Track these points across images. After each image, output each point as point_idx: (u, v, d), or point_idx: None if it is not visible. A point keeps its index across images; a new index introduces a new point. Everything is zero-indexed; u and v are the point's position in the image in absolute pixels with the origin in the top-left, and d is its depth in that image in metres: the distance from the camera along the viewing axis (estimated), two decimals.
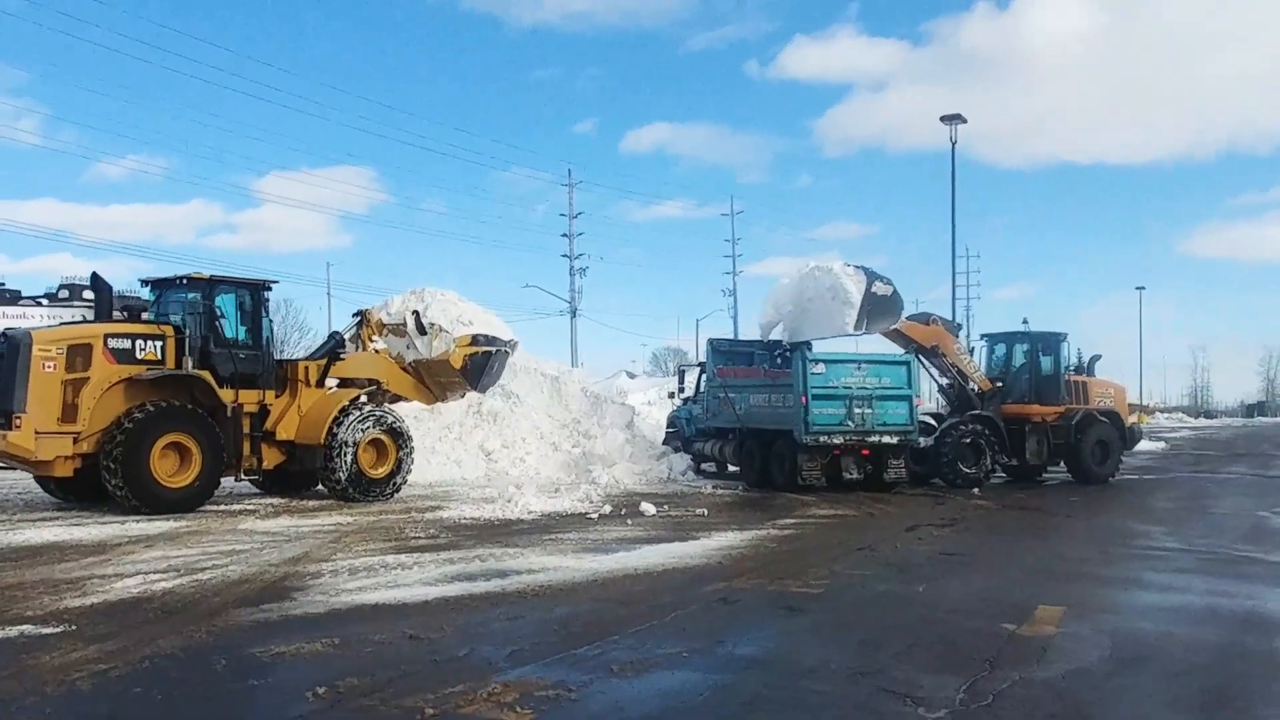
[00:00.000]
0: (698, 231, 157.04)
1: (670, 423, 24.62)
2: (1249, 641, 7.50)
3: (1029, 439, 21.89)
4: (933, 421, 22.20)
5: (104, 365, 14.49)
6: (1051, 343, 22.90)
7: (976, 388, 22.06)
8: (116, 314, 16.30)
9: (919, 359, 21.72)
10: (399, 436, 17.46)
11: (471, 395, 24.59)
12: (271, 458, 16.54)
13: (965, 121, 32.68)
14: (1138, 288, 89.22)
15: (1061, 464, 22.64)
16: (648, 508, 15.31)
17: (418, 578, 9.60)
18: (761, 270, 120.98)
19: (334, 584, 9.21)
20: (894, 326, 21.17)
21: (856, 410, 18.94)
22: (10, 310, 71.11)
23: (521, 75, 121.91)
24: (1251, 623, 8.09)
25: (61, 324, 17.25)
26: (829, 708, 5.82)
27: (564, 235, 59.75)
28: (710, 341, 22.81)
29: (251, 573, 9.65)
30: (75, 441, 14.19)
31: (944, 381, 22.78)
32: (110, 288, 16.47)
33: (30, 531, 12.35)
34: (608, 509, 15.36)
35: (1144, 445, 37.17)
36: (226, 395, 15.47)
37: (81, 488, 14.94)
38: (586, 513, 14.95)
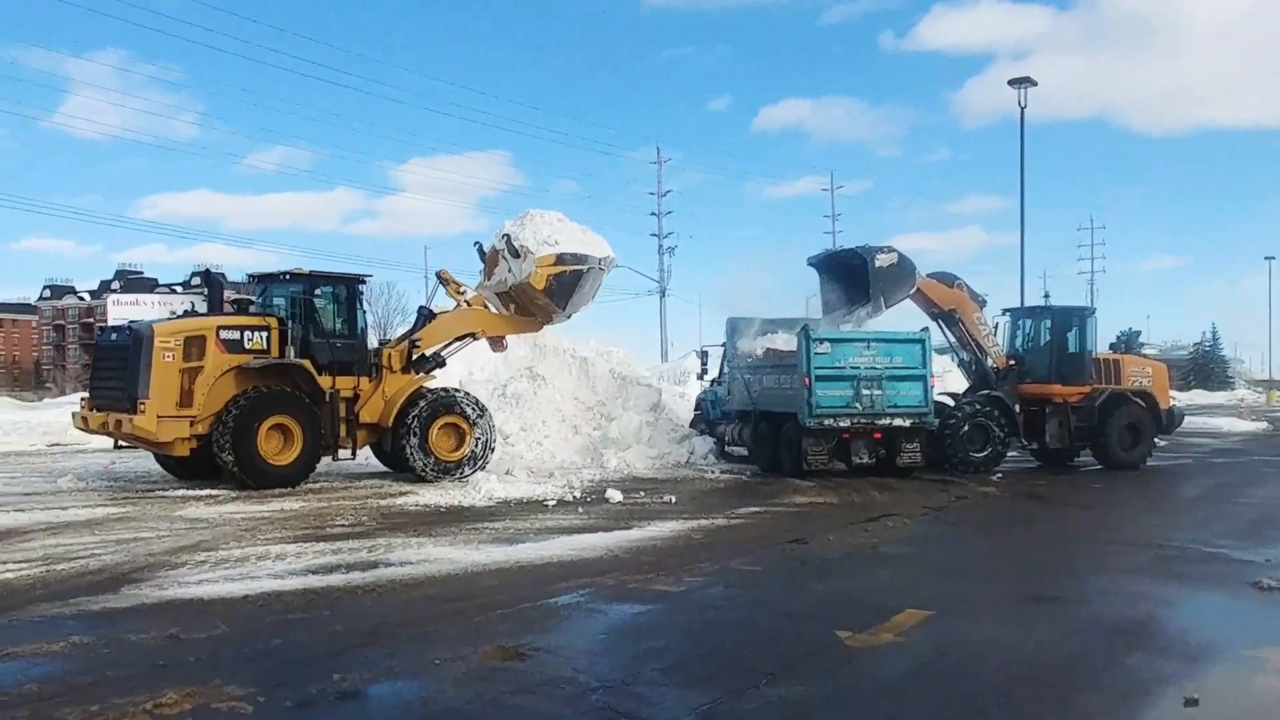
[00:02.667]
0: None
1: (697, 404, 23.89)
2: (1082, 659, 6.58)
3: (1049, 421, 20.30)
4: (949, 401, 21.00)
5: (216, 355, 15.65)
6: (1078, 318, 21.22)
7: (992, 364, 20.65)
8: (227, 307, 17.15)
9: (939, 325, 20.65)
10: (473, 419, 17.65)
11: (498, 375, 24.53)
12: (362, 440, 17.33)
13: (1035, 84, 31.05)
14: (1266, 258, 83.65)
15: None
16: (614, 494, 14.78)
17: (284, 569, 9.33)
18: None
19: (186, 576, 8.95)
20: (915, 286, 19.95)
21: (865, 392, 17.96)
22: (123, 298, 74.28)
23: (654, 55, 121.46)
24: (1113, 635, 7.12)
25: (175, 316, 18.09)
26: None
27: (653, 214, 59.23)
28: (729, 320, 22.01)
29: (114, 563, 9.47)
30: (191, 424, 15.36)
31: (964, 356, 21.40)
32: (221, 283, 17.96)
33: None
34: (573, 496, 14.87)
35: (1244, 426, 34.96)
36: (324, 382, 16.39)
37: (197, 466, 16.11)
38: (545, 499, 14.47)
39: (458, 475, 17.17)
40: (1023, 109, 30.97)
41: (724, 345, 22.27)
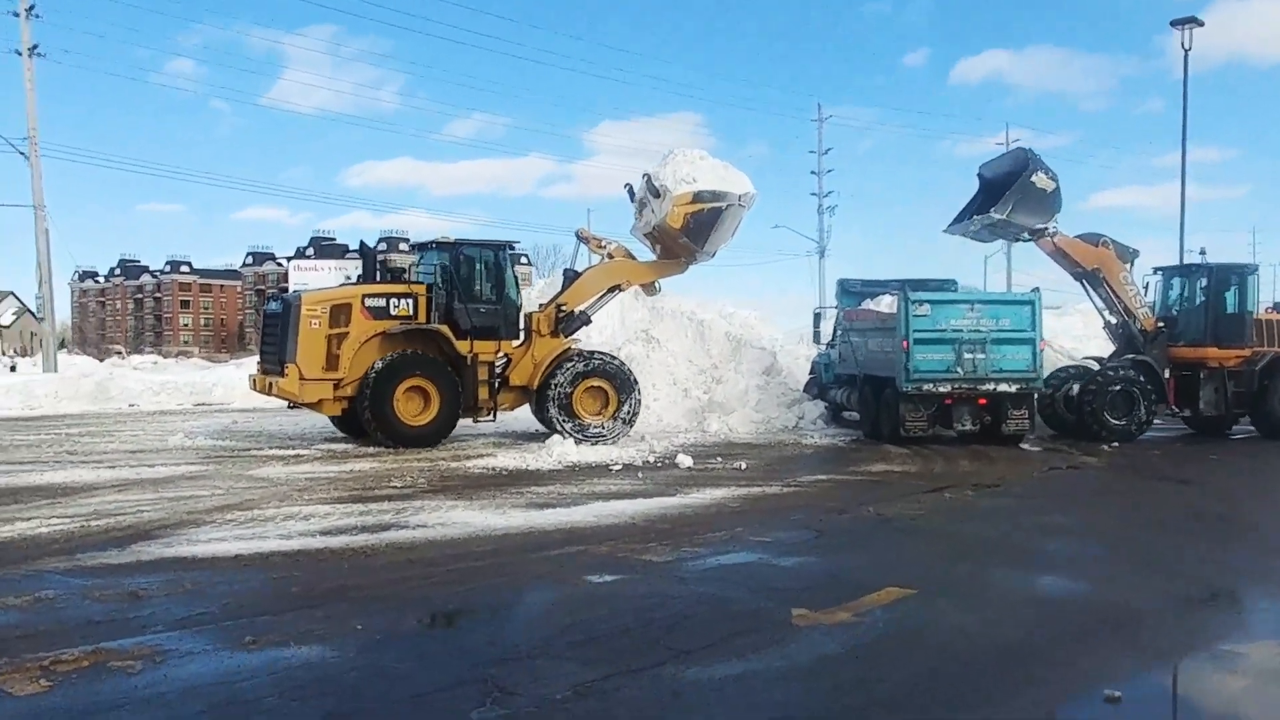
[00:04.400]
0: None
1: (811, 368, 23.34)
2: (1038, 649, 6.07)
3: (1204, 387, 19.06)
4: (1094, 365, 19.86)
5: (361, 321, 16.43)
6: (1236, 276, 19.69)
7: (1140, 326, 19.38)
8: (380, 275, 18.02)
9: (1083, 285, 19.83)
10: (619, 382, 17.84)
11: (614, 338, 24.53)
12: (510, 401, 17.89)
13: (1201, 24, 28.67)
14: None
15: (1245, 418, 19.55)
16: (684, 459, 14.61)
17: (299, 529, 9.54)
18: (1104, 202, 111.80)
19: (201, 534, 9.22)
20: (1054, 239, 19.08)
21: (967, 356, 17.16)
22: (303, 263, 78.04)
23: (852, 9, 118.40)
24: (1092, 627, 6.54)
25: (348, 281, 19.62)
26: (399, 699, 5.18)
27: (813, 173, 58.09)
28: (840, 281, 21.37)
29: (148, 520, 9.87)
30: (337, 386, 16.25)
31: (1110, 318, 20.22)
32: (375, 253, 18.82)
33: (58, 473, 13.24)
34: (644, 461, 14.78)
35: None
36: (463, 346, 16.83)
37: (358, 426, 16.89)
38: (613, 463, 14.42)
39: (599, 438, 17.18)
40: (1187, 51, 28.79)
41: (836, 307, 21.66)
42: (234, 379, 27.70)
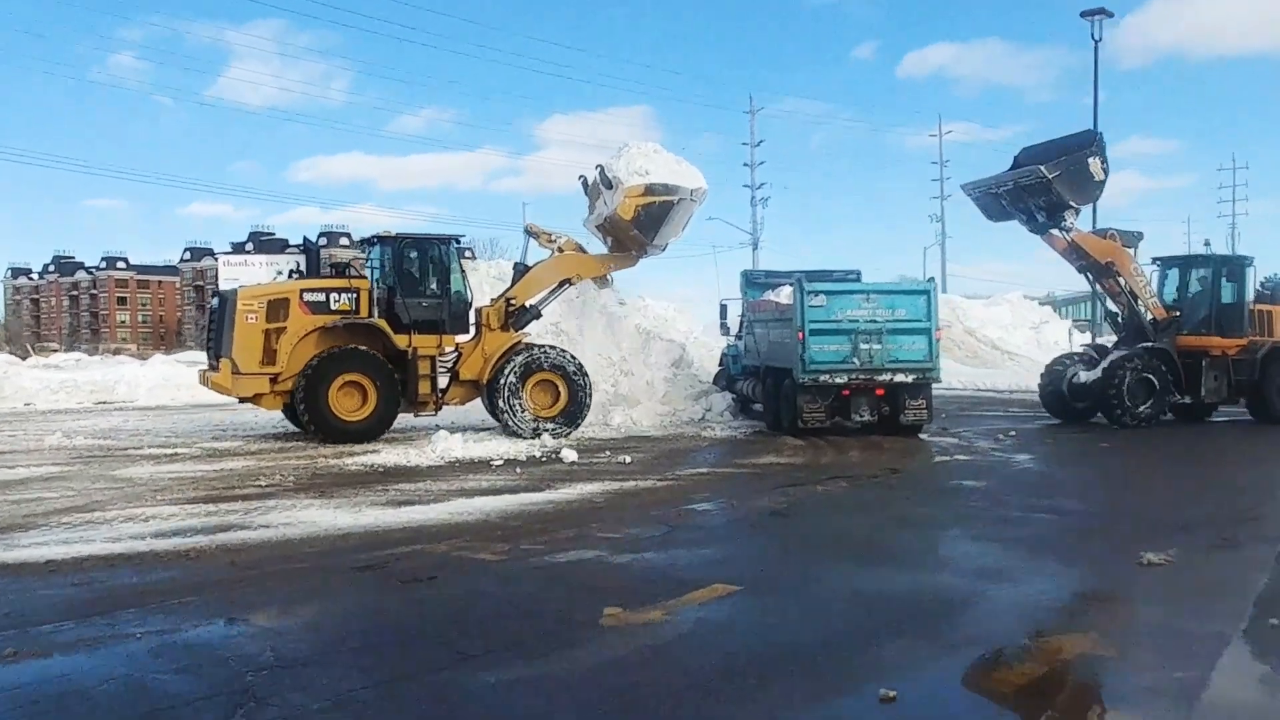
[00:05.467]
0: (981, 154, 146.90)
1: (721, 360, 23.21)
2: (836, 644, 5.91)
3: (1206, 374, 19.47)
4: (1094, 353, 20.39)
5: (300, 316, 16.37)
6: (1236, 267, 20.29)
7: (1150, 316, 19.71)
8: (325, 270, 18.08)
9: (1086, 277, 20.37)
10: (570, 376, 17.70)
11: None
12: (459, 396, 17.84)
13: (1110, 15, 28.92)
14: None
15: (1241, 402, 20.23)
16: (569, 454, 14.40)
17: (133, 531, 9.19)
18: None
19: (27, 538, 8.84)
20: (1070, 235, 19.34)
21: (864, 346, 17.05)
22: (233, 259, 76.75)
23: (796, 3, 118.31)
24: (898, 621, 6.39)
25: (280, 276, 19.70)
26: (138, 713, 4.90)
27: (745, 165, 58.10)
28: (744, 272, 21.25)
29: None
30: (274, 381, 16.24)
31: (1112, 307, 20.66)
32: (318, 249, 19.32)
33: None
34: (529, 456, 14.56)
35: None
36: (401, 341, 16.74)
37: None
38: (495, 459, 14.17)
39: (554, 431, 17.06)
40: (1097, 42, 29.00)
41: (741, 299, 21.54)
42: (137, 377, 27.09)
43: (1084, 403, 19.76)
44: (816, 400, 17.16)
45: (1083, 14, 29.02)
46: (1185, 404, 19.79)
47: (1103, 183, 19.14)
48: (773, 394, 18.56)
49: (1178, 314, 19.84)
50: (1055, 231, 19.63)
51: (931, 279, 17.84)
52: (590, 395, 18.07)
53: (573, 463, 13.96)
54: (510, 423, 17.17)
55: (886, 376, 17.13)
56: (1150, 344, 19.37)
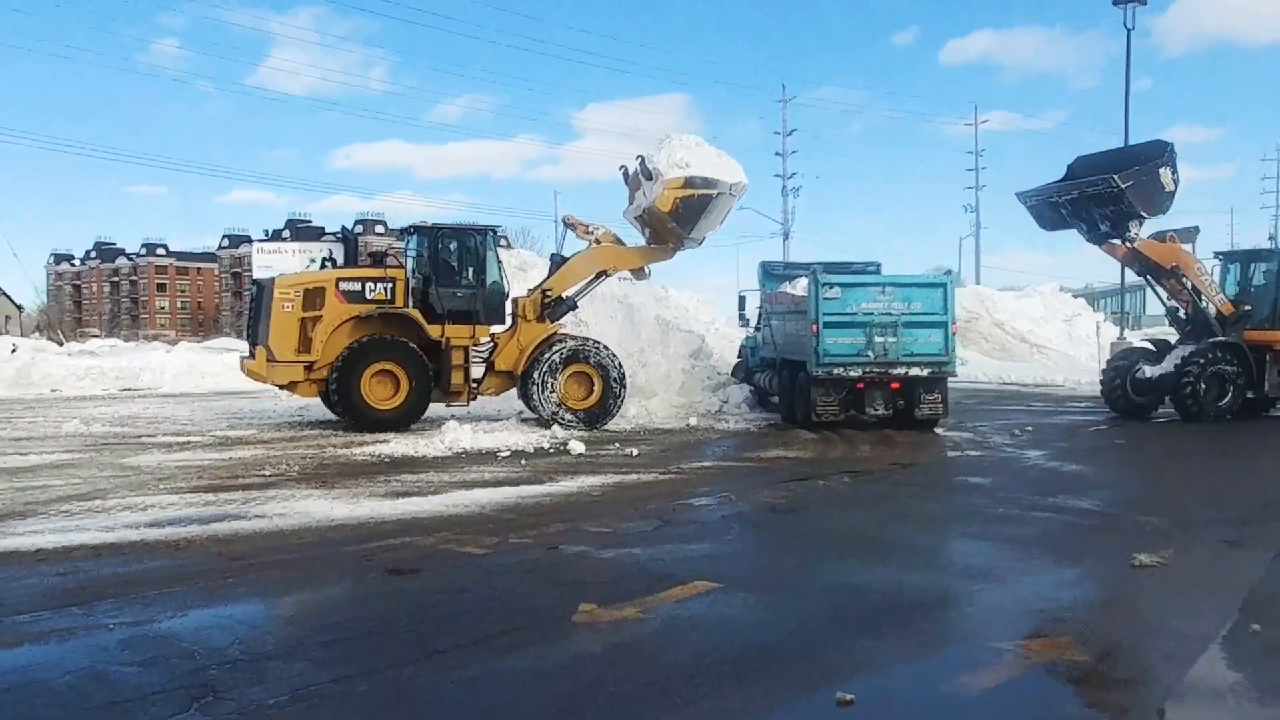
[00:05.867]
0: (1021, 143, 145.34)
1: (740, 351, 23.09)
2: (804, 647, 5.84)
3: (1270, 369, 19.36)
4: (1151, 347, 20.64)
5: (335, 305, 16.50)
6: None
7: (1215, 311, 19.70)
8: (363, 259, 18.33)
9: (1147, 280, 20.54)
10: (603, 369, 17.66)
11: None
12: (495, 386, 17.92)
13: (1144, 3, 28.40)
14: None
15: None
16: (576, 446, 14.39)
17: (129, 520, 9.24)
18: None
19: (24, 526, 8.93)
20: (1135, 244, 19.40)
21: (879, 339, 16.90)
22: (266, 246, 77.63)
23: None
24: (874, 623, 6.32)
25: (313, 264, 19.43)
26: (96, 705, 4.93)
27: (777, 154, 57.80)
28: (762, 264, 21.12)
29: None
30: (309, 369, 16.42)
31: (1172, 304, 20.58)
32: (356, 238, 19.52)
33: None
34: (537, 447, 14.56)
35: None
36: (434, 331, 16.84)
37: None
38: (502, 450, 14.17)
39: (585, 424, 17.13)
40: (1129, 30, 28.52)
41: (759, 290, 21.41)
42: (163, 363, 27.36)
43: (1146, 397, 19.95)
44: (830, 393, 17.03)
45: (1115, 2, 28.53)
46: (1248, 399, 19.65)
47: (1173, 194, 19.06)
48: (788, 387, 18.46)
49: (1248, 308, 19.76)
50: (1116, 240, 19.67)
51: (949, 271, 17.65)
52: (623, 396, 17.98)
53: (580, 455, 13.94)
54: (546, 414, 17.17)
55: (901, 370, 16.98)
56: (1221, 338, 19.35)
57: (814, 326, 16.86)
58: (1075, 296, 49.53)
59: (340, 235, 20.93)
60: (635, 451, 14.23)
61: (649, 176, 18.06)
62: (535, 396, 17.26)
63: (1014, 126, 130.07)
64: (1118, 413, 20.25)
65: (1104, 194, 18.77)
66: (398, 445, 14.53)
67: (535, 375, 17.22)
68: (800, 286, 18.26)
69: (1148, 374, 19.74)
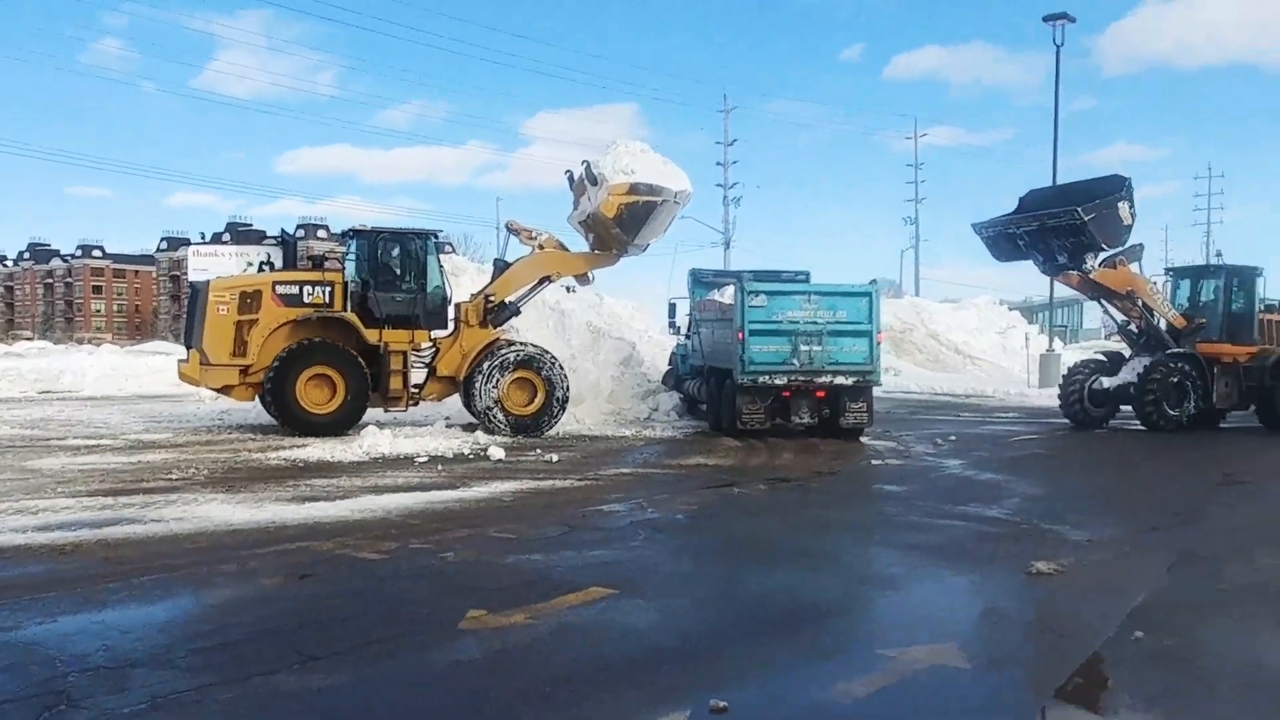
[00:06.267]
0: (965, 159, 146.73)
1: (670, 359, 23.08)
2: (689, 650, 5.77)
3: (1218, 381, 20.06)
4: (1104, 359, 21.14)
5: (272, 308, 16.32)
6: (1246, 278, 20.91)
7: (1167, 324, 20.30)
8: (303, 264, 18.17)
9: (1098, 301, 21.21)
10: (547, 375, 17.53)
11: None
12: (437, 391, 17.79)
13: (1073, 20, 28.85)
14: None
15: (1251, 409, 20.78)
16: (496, 452, 14.26)
17: (19, 524, 8.96)
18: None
19: None
20: (1092, 275, 19.90)
21: (804, 348, 16.94)
22: (203, 249, 76.37)
23: (784, 3, 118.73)
24: (764, 628, 6.27)
25: (250, 268, 19.42)
26: None
27: (718, 164, 58.03)
28: (692, 271, 21.12)
29: None
30: (244, 373, 16.26)
31: (1121, 319, 21.22)
32: (295, 242, 19.33)
33: None
34: (455, 453, 14.39)
35: None
36: (372, 335, 16.70)
37: None
38: (419, 456, 13.99)
39: (529, 431, 17.09)
40: (1059, 47, 28.98)
41: (688, 298, 21.41)
42: (84, 366, 26.77)
43: (1103, 408, 20.61)
44: (756, 401, 17.03)
45: (1045, 19, 29.02)
46: (1199, 409, 20.14)
47: (1130, 226, 19.57)
48: (715, 394, 18.45)
49: (1203, 320, 20.39)
50: (1071, 270, 20.22)
51: (874, 281, 17.69)
52: (567, 393, 17.94)
53: (498, 460, 13.80)
54: (487, 419, 17.12)
55: (826, 379, 17.03)
56: (1177, 349, 19.97)
57: (739, 334, 16.86)
58: (1012, 310, 50.15)
59: (280, 239, 20.70)
60: (555, 458, 14.11)
61: (594, 182, 18.03)
62: (479, 403, 17.19)
63: (959, 141, 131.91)
64: (1075, 423, 20.73)
65: (1064, 226, 19.35)
66: (314, 450, 14.31)
67: (478, 382, 17.15)
68: (727, 294, 18.27)
69: (1105, 385, 20.32)
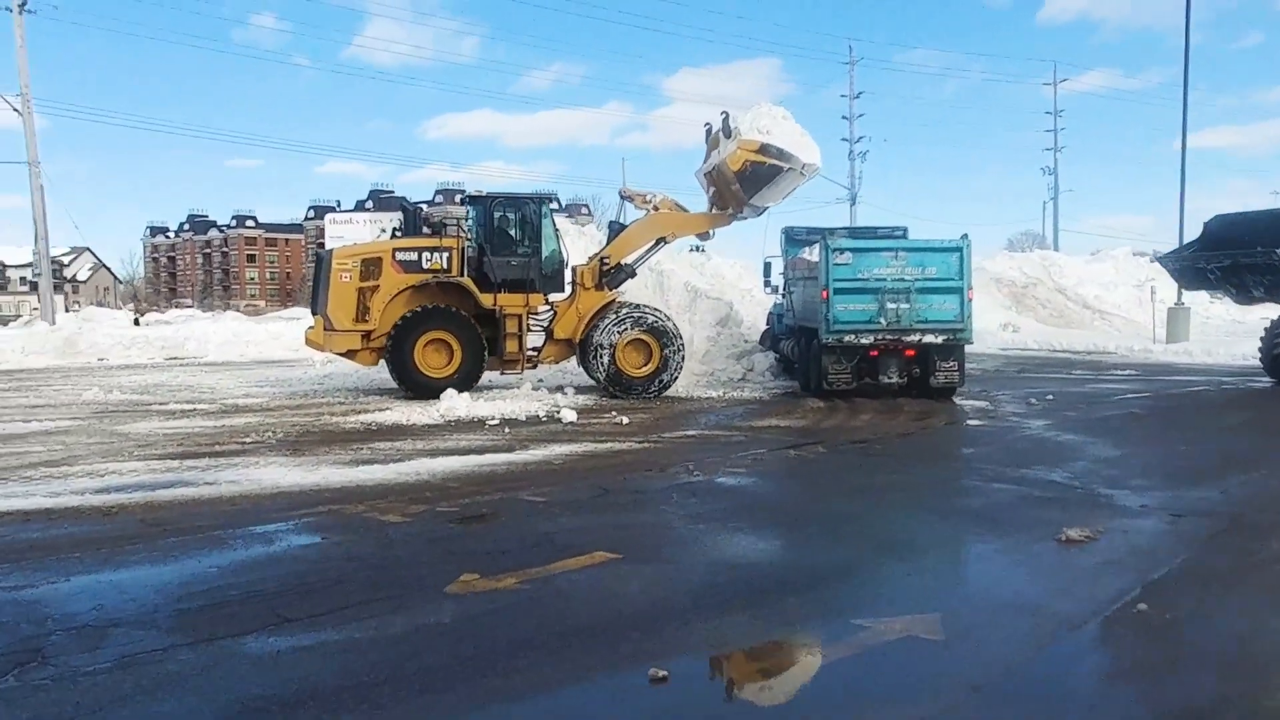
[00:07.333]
0: (1126, 102, 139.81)
1: (767, 319, 22.75)
2: (666, 607, 5.68)
3: None
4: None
5: (392, 275, 16.87)
6: None
7: None
8: (425, 230, 18.43)
9: None
10: (663, 336, 17.67)
11: None
12: (554, 354, 18.24)
13: None
14: None
15: None
16: (568, 415, 14.31)
17: (80, 487, 9.38)
18: (1201, 142, 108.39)
19: None
20: None
21: (891, 306, 16.49)
22: (339, 217, 78.60)
23: None
24: (763, 594, 6.12)
25: (383, 235, 20.05)
26: None
27: (844, 118, 56.80)
28: (785, 229, 20.71)
29: None
30: (367, 338, 16.91)
31: None
32: (415, 209, 19.94)
33: None
34: (529, 415, 14.52)
35: None
36: (486, 300, 17.11)
37: None
38: (493, 419, 14.16)
39: (641, 392, 17.24)
40: None
41: (782, 256, 21.04)
42: (207, 333, 27.95)
43: None
44: (842, 361, 16.68)
45: None
46: None
47: None
48: (804, 354, 18.15)
49: None
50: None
51: (965, 235, 17.02)
52: (683, 354, 17.96)
53: (568, 424, 13.84)
54: (601, 382, 17.36)
55: (915, 337, 16.55)
56: None
57: (824, 293, 16.50)
58: (1151, 261, 47.74)
59: (400, 207, 21.19)
60: (626, 420, 14.09)
61: (728, 134, 17.88)
62: (595, 365, 17.41)
63: (1113, 86, 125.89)
64: (1276, 378, 19.87)
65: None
66: (393, 414, 14.59)
67: (594, 344, 17.33)
68: (814, 253, 17.89)
69: None
